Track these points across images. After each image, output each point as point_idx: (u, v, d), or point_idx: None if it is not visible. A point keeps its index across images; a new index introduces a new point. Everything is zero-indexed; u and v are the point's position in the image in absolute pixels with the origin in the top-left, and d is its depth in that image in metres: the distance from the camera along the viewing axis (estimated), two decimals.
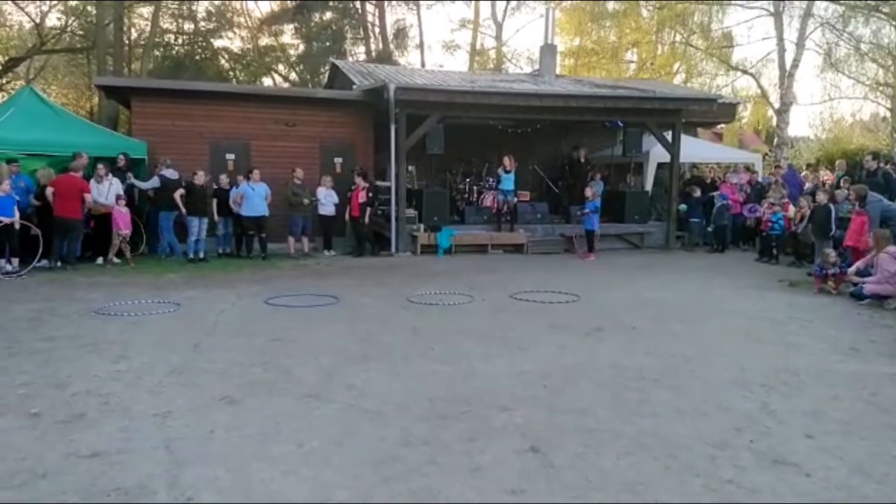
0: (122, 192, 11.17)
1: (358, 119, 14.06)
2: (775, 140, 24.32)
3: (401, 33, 30.80)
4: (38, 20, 24.33)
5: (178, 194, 11.52)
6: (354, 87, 13.89)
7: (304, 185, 12.63)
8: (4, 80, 24.92)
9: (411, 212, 13.44)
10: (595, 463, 3.70)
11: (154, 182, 11.68)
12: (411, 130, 13.07)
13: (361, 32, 30.05)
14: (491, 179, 14.73)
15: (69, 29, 24.75)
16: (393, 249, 13.05)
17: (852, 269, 9.00)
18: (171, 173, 11.70)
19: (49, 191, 10.31)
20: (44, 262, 10.16)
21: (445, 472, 3.56)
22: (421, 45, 31.56)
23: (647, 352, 6.04)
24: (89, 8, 23.96)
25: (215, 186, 12.21)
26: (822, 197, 11.21)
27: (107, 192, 11.03)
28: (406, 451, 3.83)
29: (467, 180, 15.29)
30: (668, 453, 3.83)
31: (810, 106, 47.08)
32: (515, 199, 13.95)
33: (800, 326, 7.19)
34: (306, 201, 12.51)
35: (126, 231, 11.06)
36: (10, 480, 3.40)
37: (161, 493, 3.29)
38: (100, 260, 11.03)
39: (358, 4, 29.41)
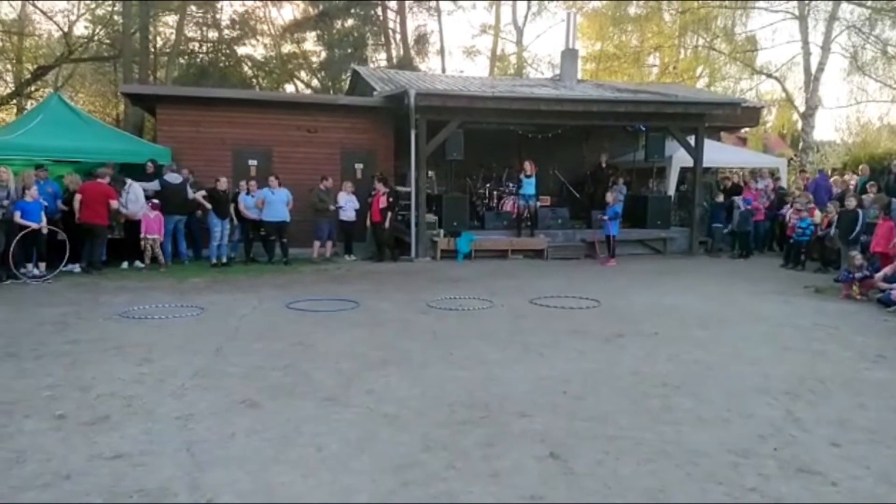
0: (144, 199, 11.29)
1: (378, 125, 14.16)
2: (801, 144, 23.96)
3: (422, 39, 30.92)
4: (66, 29, 24.80)
5: (201, 195, 11.67)
6: (375, 93, 13.97)
7: (329, 191, 12.74)
8: (33, 88, 25.40)
9: (431, 217, 13.46)
10: (615, 469, 3.66)
11: (154, 185, 11.70)
12: (431, 136, 13.09)
13: (382, 39, 30.20)
14: (511, 184, 14.70)
15: (96, 38, 25.18)
16: (413, 254, 13.07)
17: (879, 274, 8.85)
18: (173, 177, 11.76)
19: (77, 198, 10.48)
20: (70, 267, 10.35)
21: (464, 478, 3.55)
22: (442, 51, 31.74)
23: (668, 358, 5.98)
24: (116, 17, 24.41)
25: (235, 191, 12.35)
26: (850, 202, 11.02)
27: (125, 201, 11.17)
28: (425, 455, 3.83)
29: (487, 185, 15.29)
30: (690, 461, 3.78)
31: (836, 109, 46.22)
32: (537, 204, 13.92)
33: (826, 333, 7.07)
34: (332, 207, 12.61)
35: (153, 236, 11.20)
36: (34, 481, 3.46)
37: (182, 495, 3.32)
38: (125, 264, 11.18)
39: (379, 11, 29.60)
